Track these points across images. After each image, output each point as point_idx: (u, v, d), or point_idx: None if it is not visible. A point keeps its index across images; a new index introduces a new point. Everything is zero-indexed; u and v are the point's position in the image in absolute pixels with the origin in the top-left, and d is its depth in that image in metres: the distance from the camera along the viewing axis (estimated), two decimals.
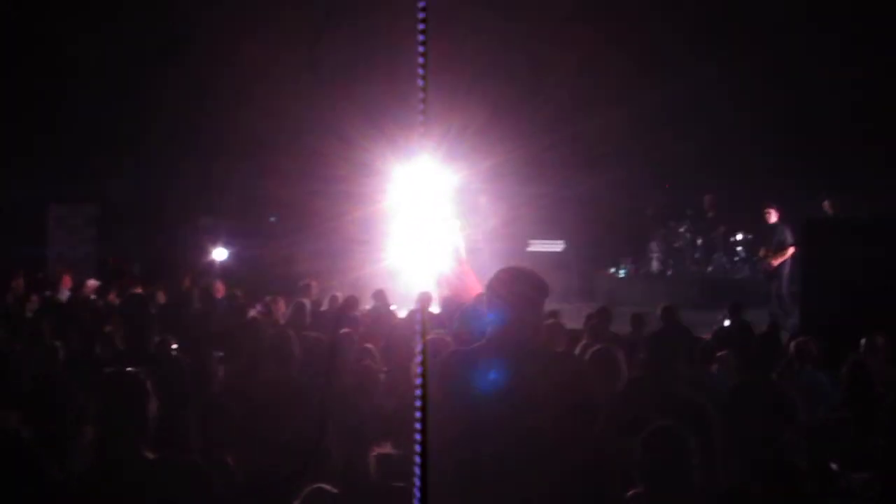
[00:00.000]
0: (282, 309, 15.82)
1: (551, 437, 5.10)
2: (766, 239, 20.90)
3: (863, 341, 11.19)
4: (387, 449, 7.01)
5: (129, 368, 5.86)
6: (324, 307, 16.60)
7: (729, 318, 15.62)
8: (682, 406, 7.16)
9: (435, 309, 17.56)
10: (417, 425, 3.02)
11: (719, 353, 11.09)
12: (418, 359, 3.23)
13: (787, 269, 20.16)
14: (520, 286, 5.40)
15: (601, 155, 25.06)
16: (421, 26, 2.90)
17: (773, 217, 20.59)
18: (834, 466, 6.20)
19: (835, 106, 23.41)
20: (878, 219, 18.59)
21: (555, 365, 5.53)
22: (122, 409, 5.39)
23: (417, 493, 2.85)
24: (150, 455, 5.39)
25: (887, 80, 22.83)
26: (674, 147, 24.53)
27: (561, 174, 24.89)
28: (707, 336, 14.22)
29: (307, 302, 15.32)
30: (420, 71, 2.91)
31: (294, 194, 24.51)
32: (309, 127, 23.89)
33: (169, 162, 25.64)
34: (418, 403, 3.05)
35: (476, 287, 19.68)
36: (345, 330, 12.33)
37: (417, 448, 2.96)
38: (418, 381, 3.10)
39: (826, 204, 20.44)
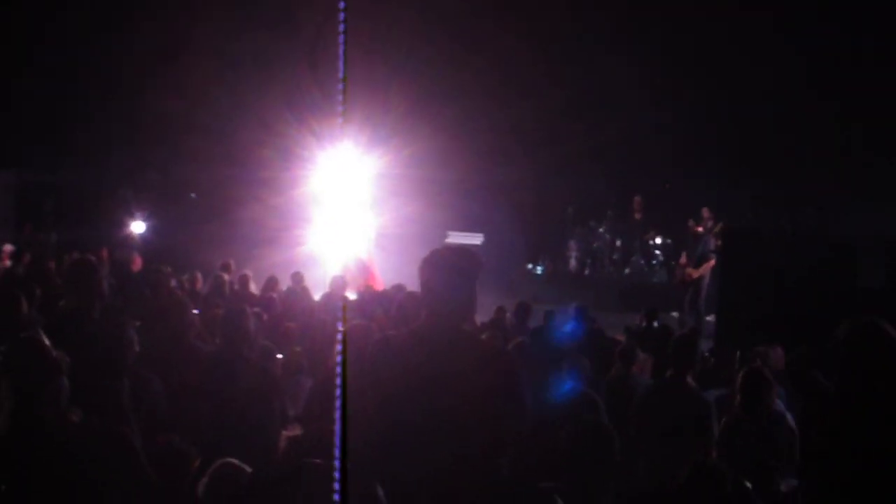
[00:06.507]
0: (199, 285, 15.70)
1: (478, 426, 5.05)
2: (689, 247, 20.92)
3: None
4: (297, 431, 6.95)
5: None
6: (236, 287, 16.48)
7: (645, 322, 15.64)
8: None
9: (350, 294, 17.49)
10: (338, 407, 2.97)
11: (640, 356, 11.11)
12: (339, 343, 3.18)
13: (706, 281, 20.19)
14: (450, 265, 5.37)
15: (524, 146, 25.05)
16: (341, 15, 2.86)
17: (702, 227, 20.63)
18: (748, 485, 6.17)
19: (766, 117, 23.55)
20: (797, 230, 18.74)
21: (487, 354, 5.47)
22: (33, 374, 5.30)
23: (338, 472, 2.83)
24: (74, 419, 5.31)
25: (818, 93, 22.99)
26: (598, 144, 24.63)
27: (482, 163, 24.88)
28: (620, 338, 14.20)
29: (227, 277, 15.22)
30: (340, 58, 2.87)
31: (212, 178, 24.38)
32: (228, 112, 23.73)
33: (91, 135, 25.32)
34: (339, 389, 3.00)
35: (375, 275, 19.80)
36: (255, 309, 12.25)
37: (338, 429, 2.94)
38: (339, 365, 3.05)
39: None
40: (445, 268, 5.34)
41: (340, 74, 2.79)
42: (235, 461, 5.66)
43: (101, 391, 6.37)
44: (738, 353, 10.81)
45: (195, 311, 10.90)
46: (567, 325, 12.93)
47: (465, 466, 4.98)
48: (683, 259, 20.98)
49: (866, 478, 5.50)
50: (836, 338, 5.76)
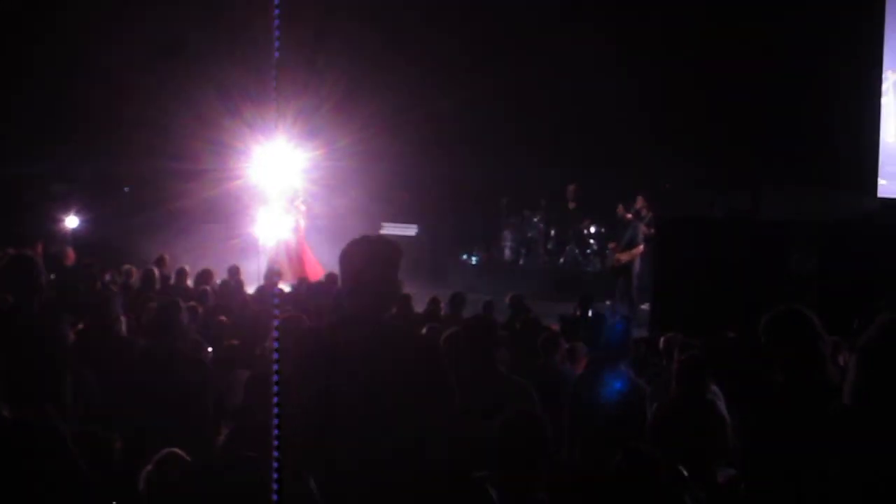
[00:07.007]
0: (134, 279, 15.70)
1: (407, 417, 5.07)
2: (618, 233, 21.00)
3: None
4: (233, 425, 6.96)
5: None
6: (172, 281, 16.40)
7: (579, 310, 15.72)
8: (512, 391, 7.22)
9: (284, 286, 17.50)
10: (275, 399, 2.98)
11: (570, 344, 11.13)
12: (274, 335, 3.19)
13: (637, 268, 20.28)
14: (370, 255, 5.36)
15: (457, 136, 25.03)
16: (276, 1, 2.87)
17: (632, 213, 20.68)
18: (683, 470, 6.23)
19: (699, 101, 23.62)
20: (729, 217, 18.88)
21: (412, 344, 5.51)
22: None
23: (275, 464, 2.84)
24: (6, 414, 5.29)
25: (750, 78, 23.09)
26: (531, 134, 24.67)
27: (415, 154, 24.85)
28: (554, 326, 14.25)
29: (157, 272, 15.16)
30: (275, 46, 2.88)
31: (146, 171, 24.24)
32: (162, 104, 23.56)
33: (22, 128, 25.05)
34: (275, 378, 3.01)
35: (313, 266, 19.76)
36: (191, 303, 12.20)
37: (275, 420, 2.95)
38: (275, 356, 3.06)
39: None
40: (364, 257, 5.33)
41: (274, 68, 2.81)
42: (179, 451, 5.67)
43: (42, 386, 6.36)
44: (680, 340, 10.91)
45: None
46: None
47: (395, 456, 5.00)
48: (613, 245, 21.08)
49: (800, 470, 5.54)
50: (760, 327, 5.82)
